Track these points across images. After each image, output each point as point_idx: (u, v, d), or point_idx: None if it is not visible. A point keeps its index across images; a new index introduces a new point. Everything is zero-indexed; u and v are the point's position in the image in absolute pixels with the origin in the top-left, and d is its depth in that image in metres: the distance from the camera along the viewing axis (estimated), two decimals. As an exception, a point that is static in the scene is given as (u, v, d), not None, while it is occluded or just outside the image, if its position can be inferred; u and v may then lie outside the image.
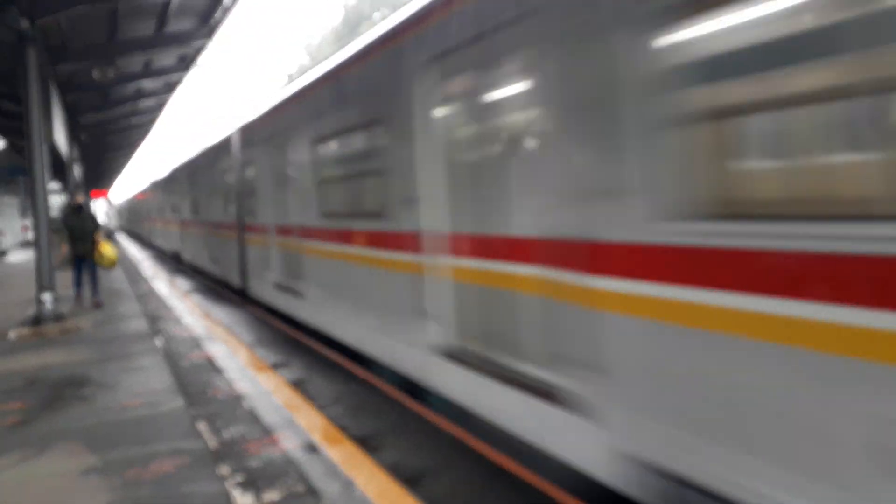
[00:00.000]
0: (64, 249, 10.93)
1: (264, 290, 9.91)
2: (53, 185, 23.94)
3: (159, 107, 22.99)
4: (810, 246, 2.37)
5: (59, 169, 18.09)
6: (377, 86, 5.56)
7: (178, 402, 5.21)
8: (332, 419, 4.93)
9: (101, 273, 11.30)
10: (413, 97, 4.91)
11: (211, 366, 6.40)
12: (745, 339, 2.59)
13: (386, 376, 6.05)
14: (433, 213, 4.85)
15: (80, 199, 11.27)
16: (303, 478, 3.68)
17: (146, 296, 12.02)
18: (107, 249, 11.12)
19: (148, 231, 33.40)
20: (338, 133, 6.72)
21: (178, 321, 9.11)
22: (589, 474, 3.41)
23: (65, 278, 11.19)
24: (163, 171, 24.41)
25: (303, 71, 24.60)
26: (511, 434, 4.00)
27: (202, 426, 4.62)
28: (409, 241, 5.12)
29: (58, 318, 8.95)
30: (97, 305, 10.58)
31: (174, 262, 21.73)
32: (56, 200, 25.58)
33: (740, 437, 2.64)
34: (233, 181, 11.97)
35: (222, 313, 10.79)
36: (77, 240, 10.66)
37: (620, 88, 3.12)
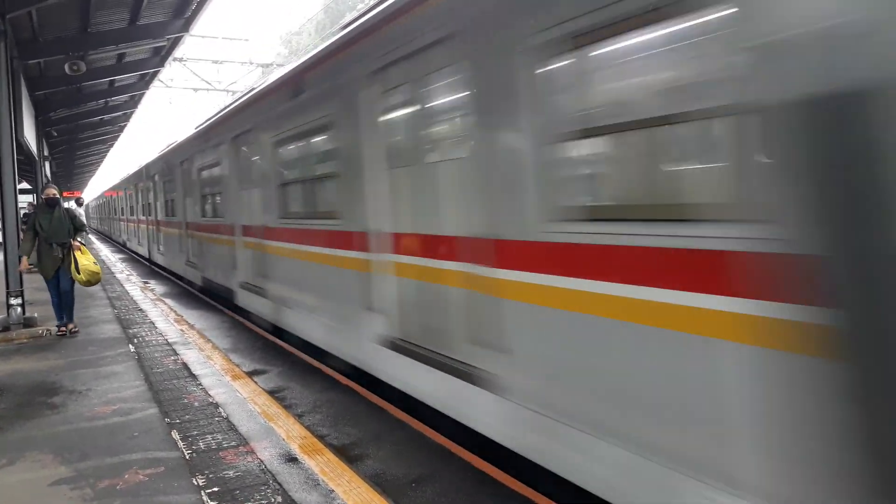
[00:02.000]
0: (25, 264, 8.17)
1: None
2: (24, 184, 23.36)
3: (134, 102, 22.59)
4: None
5: (29, 167, 17.64)
6: (328, 93, 5.99)
7: (152, 410, 5.10)
8: (312, 427, 4.87)
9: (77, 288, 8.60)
10: (358, 106, 5.30)
11: (186, 372, 6.28)
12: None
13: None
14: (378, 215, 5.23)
15: (53, 191, 8.52)
16: (281, 489, 3.62)
17: (118, 298, 11.78)
18: (86, 261, 8.24)
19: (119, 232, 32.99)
20: (296, 137, 6.94)
21: (151, 326, 8.94)
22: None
23: (34, 281, 10.80)
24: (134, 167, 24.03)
25: (280, 62, 24.35)
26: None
27: (177, 435, 4.52)
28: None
29: (27, 323, 8.72)
30: (71, 332, 8.40)
31: (148, 265, 21.34)
32: (25, 200, 24.96)
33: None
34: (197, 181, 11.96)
35: (197, 318, 10.62)
36: (49, 246, 8.12)
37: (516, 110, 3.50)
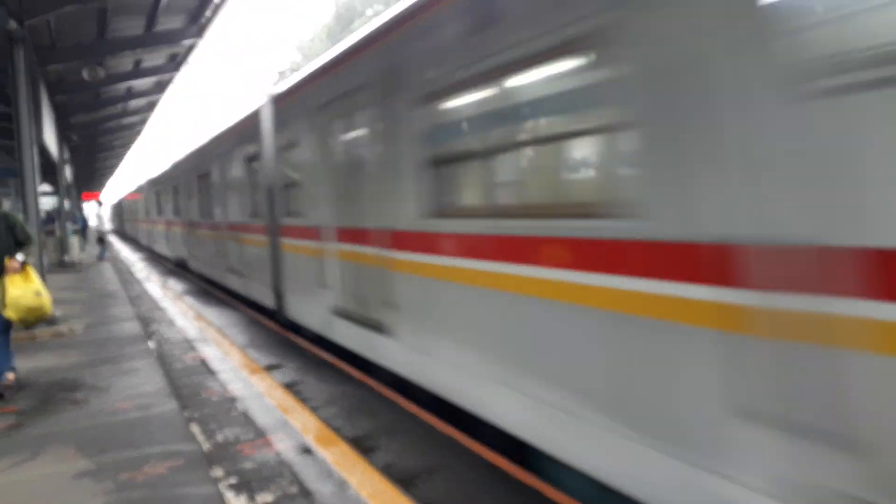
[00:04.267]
0: None
1: None
2: (46, 187, 23.80)
3: (151, 107, 22.90)
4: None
5: (50, 170, 17.98)
6: None
7: (171, 405, 5.20)
8: (326, 420, 4.94)
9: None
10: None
11: (204, 368, 6.39)
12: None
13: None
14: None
15: None
16: (296, 479, 3.69)
17: (139, 297, 11.98)
18: (18, 290, 5.58)
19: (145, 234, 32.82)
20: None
21: (171, 323, 9.09)
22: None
23: (57, 280, 10.97)
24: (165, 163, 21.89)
25: (295, 68, 24.50)
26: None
27: (195, 428, 4.62)
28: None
29: (50, 321, 8.90)
30: (4, 388, 5.70)
31: (170, 265, 21.62)
32: (48, 202, 25.43)
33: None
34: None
35: (216, 315, 10.77)
36: None
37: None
